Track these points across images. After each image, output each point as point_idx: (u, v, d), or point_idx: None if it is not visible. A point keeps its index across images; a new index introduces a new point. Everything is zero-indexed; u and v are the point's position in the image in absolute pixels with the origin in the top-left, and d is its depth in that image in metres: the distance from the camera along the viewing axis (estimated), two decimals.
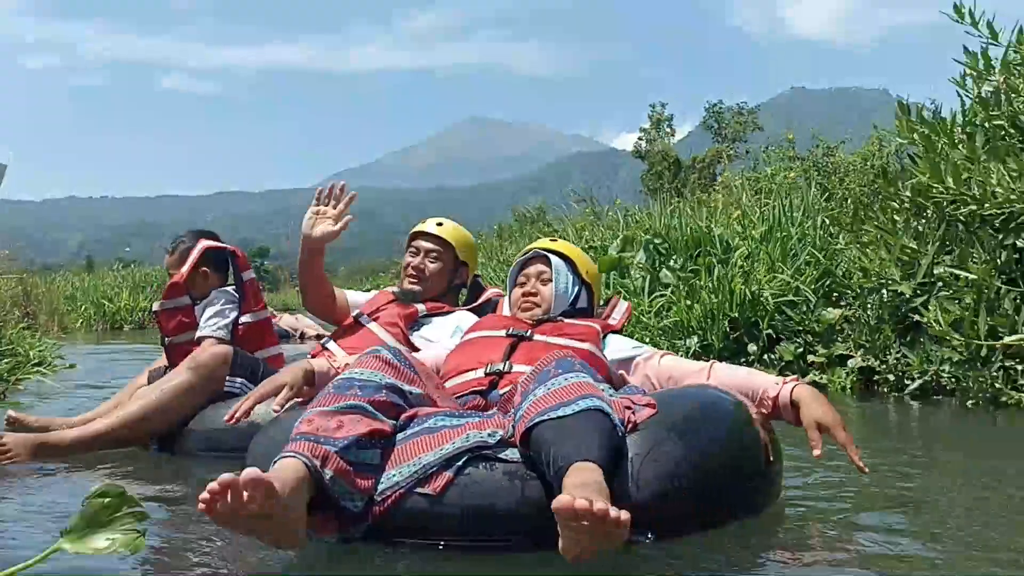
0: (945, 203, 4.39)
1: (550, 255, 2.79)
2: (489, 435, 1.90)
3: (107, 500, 1.24)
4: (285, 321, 10.39)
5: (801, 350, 4.87)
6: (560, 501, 1.52)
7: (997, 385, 3.91)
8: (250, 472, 1.60)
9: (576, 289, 2.78)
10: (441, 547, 1.81)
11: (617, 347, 2.60)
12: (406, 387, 2.06)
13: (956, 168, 4.32)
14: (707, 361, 2.48)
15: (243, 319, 3.57)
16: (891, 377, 4.49)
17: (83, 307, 16.23)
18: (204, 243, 3.76)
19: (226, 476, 1.59)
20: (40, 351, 6.17)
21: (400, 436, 1.95)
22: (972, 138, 4.59)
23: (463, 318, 3.33)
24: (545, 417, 1.81)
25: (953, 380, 4.14)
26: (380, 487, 1.85)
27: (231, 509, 1.59)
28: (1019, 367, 3.83)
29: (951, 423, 3.89)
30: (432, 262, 3.45)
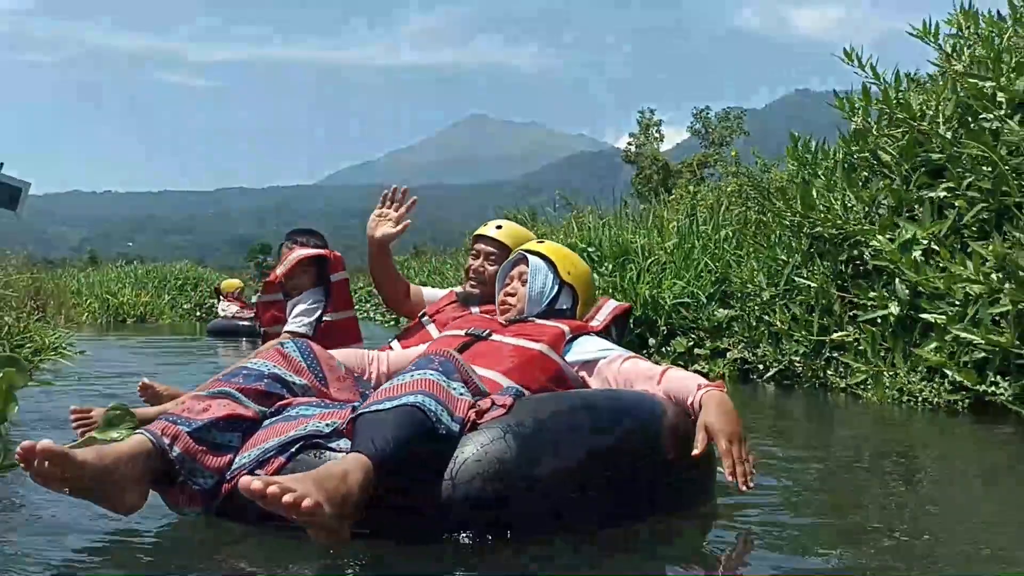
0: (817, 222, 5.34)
1: (530, 256, 2.81)
2: (326, 425, 1.98)
3: (117, 411, 2.18)
4: None
5: (692, 344, 5.83)
6: (240, 481, 1.63)
7: (829, 372, 4.88)
8: (44, 443, 1.73)
9: (554, 290, 2.75)
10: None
11: (585, 349, 2.55)
12: (291, 377, 2.18)
13: (806, 193, 5.28)
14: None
15: (326, 317, 3.84)
16: (760, 366, 5.45)
17: (88, 301, 17.14)
18: (300, 252, 4.06)
19: (26, 443, 1.73)
20: (55, 339, 7.11)
21: (267, 422, 2.06)
22: (834, 169, 5.56)
23: None
24: (367, 410, 1.88)
25: (800, 368, 5.10)
26: (232, 467, 1.97)
27: (36, 474, 1.75)
28: (841, 358, 4.79)
29: (791, 402, 4.84)
30: (491, 265, 3.39)
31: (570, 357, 2.52)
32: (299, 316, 3.91)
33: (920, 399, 4.15)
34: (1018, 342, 3.72)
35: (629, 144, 30.52)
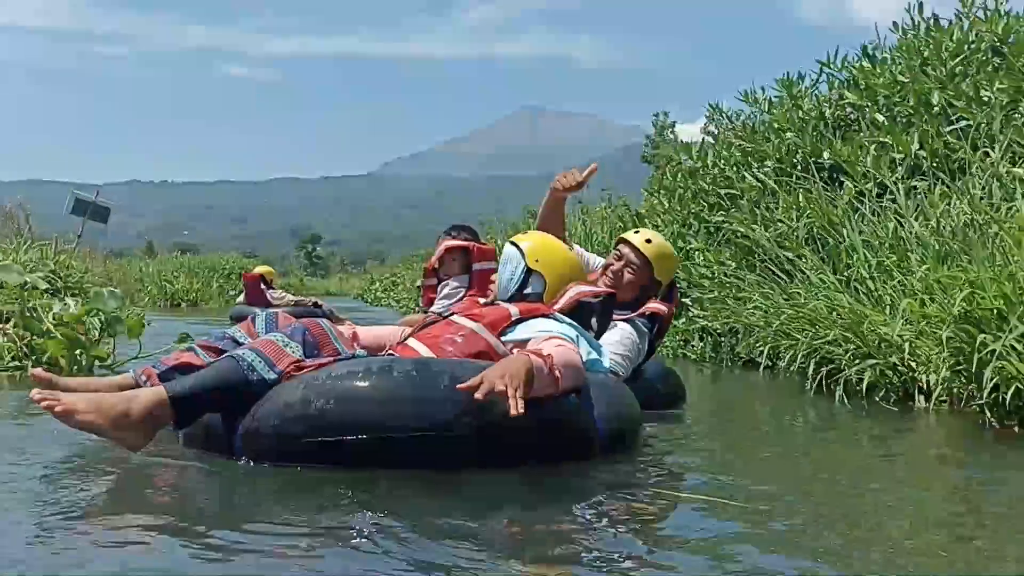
0: None
1: (507, 246, 3.06)
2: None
3: (185, 338, 4.58)
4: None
5: None
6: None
7: None
8: (35, 370, 2.56)
9: (521, 277, 2.96)
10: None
11: (528, 330, 2.71)
12: (243, 338, 2.67)
13: (650, 210, 7.60)
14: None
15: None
16: None
17: (149, 287, 19.77)
18: (447, 243, 4.64)
19: (31, 370, 2.54)
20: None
21: None
22: (672, 196, 7.88)
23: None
24: (216, 359, 2.48)
25: None
26: None
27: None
28: None
29: None
30: (630, 274, 3.51)
31: (512, 336, 2.72)
32: (443, 299, 4.45)
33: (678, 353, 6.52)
34: (712, 318, 6.01)
35: (645, 146, 32.06)
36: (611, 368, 3.06)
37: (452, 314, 2.88)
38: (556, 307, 2.87)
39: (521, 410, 2.12)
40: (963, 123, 5.52)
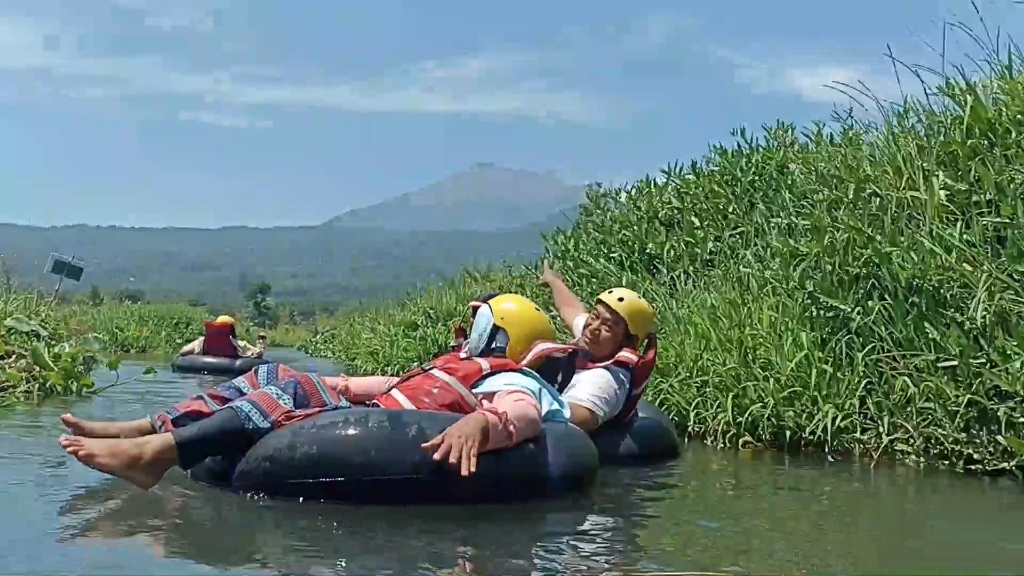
0: None
1: (482, 305, 3.36)
2: None
3: (151, 368, 6.27)
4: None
5: None
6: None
7: None
8: (65, 415, 2.83)
9: (489, 332, 3.26)
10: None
11: (496, 383, 2.99)
12: (245, 388, 2.98)
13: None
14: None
15: None
16: None
17: (101, 333, 20.98)
18: (472, 303, 4.70)
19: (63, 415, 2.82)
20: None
21: None
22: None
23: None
24: (217, 408, 2.81)
25: None
26: None
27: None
28: None
29: None
30: (607, 331, 3.83)
31: (482, 388, 3.00)
32: None
33: None
34: None
35: (580, 215, 33.53)
36: (588, 407, 3.60)
37: (432, 367, 3.19)
38: (523, 362, 3.16)
39: (473, 468, 2.42)
40: (739, 229, 7.43)
